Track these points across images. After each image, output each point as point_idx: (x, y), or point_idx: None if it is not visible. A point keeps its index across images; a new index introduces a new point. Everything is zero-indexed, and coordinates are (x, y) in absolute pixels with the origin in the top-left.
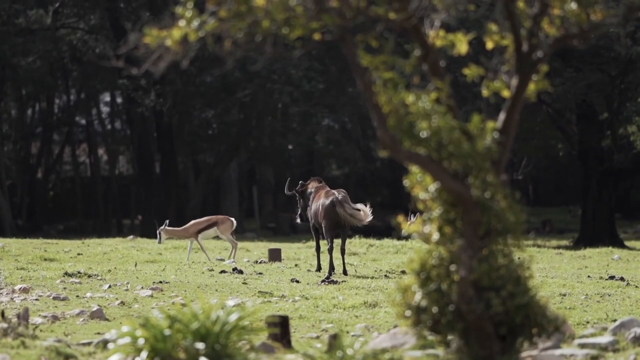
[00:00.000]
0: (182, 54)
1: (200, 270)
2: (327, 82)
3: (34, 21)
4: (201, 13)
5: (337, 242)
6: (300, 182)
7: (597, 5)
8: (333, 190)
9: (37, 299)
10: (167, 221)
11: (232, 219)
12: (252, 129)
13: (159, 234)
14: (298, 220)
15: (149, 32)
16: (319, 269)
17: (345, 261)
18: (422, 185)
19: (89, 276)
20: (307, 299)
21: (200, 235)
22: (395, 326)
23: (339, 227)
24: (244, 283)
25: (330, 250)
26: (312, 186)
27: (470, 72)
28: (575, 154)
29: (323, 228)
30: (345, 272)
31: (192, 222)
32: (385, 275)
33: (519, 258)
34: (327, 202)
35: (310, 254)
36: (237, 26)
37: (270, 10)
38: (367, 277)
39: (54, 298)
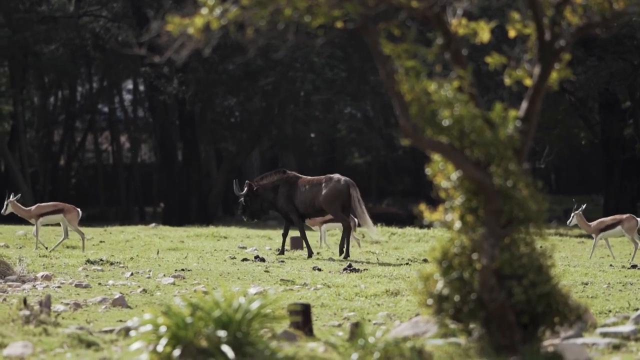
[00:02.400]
0: (204, 41)
1: (223, 258)
2: (350, 70)
3: (57, 9)
4: (223, 1)
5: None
6: (246, 181)
7: None
8: (335, 175)
9: (59, 287)
10: (19, 195)
11: (79, 209)
12: (275, 117)
13: (6, 204)
14: (246, 219)
15: (171, 20)
16: (310, 254)
17: (366, 249)
18: (444, 173)
19: (111, 264)
20: (329, 287)
21: (42, 219)
22: (417, 314)
23: (344, 210)
24: (265, 271)
25: (348, 234)
26: (276, 178)
27: (493, 60)
28: (597, 143)
29: (332, 212)
30: (348, 255)
31: (38, 204)
32: (407, 264)
33: (541, 247)
34: (341, 184)
35: (332, 243)
36: (259, 14)
37: None
38: (389, 265)
39: (76, 285)
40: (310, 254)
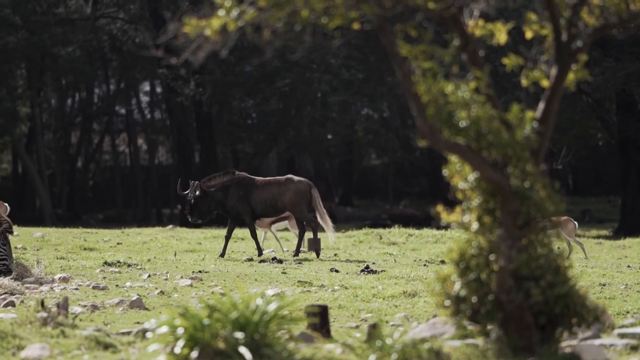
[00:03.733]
0: (221, 43)
1: (240, 259)
2: (366, 71)
3: (74, 11)
4: (240, 2)
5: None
6: (194, 182)
7: None
8: (294, 176)
9: (76, 289)
10: None
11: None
12: (291, 118)
13: None
14: (193, 220)
15: (188, 22)
16: (260, 253)
17: (384, 251)
18: (461, 174)
19: (129, 265)
20: (346, 288)
21: None
22: (435, 316)
23: (309, 210)
24: (283, 272)
25: (314, 232)
26: (225, 179)
27: (510, 61)
28: (614, 144)
29: (299, 212)
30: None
31: None
32: (425, 265)
33: (558, 248)
34: (303, 185)
35: (350, 244)
36: (276, 15)
37: (309, 0)
38: (407, 267)
39: (94, 287)
40: (260, 253)
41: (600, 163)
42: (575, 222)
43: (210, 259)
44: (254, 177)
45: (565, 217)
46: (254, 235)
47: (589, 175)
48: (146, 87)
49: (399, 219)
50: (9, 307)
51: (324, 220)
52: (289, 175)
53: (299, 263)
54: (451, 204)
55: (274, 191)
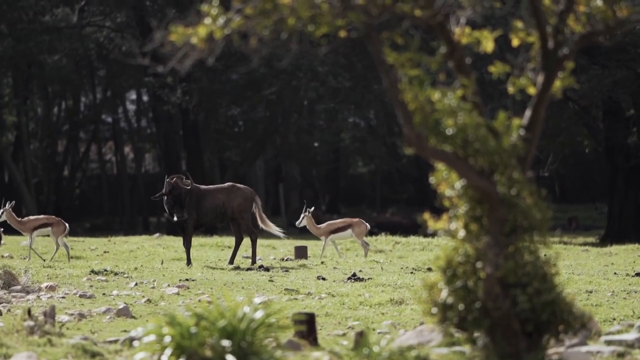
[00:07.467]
0: (207, 51)
1: (227, 267)
2: (353, 79)
3: (61, 19)
4: (227, 10)
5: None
6: (167, 178)
7: (623, 1)
8: (238, 184)
9: (63, 297)
10: None
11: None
12: (278, 126)
13: None
14: (177, 217)
15: (174, 30)
16: (189, 262)
17: (371, 258)
18: (448, 182)
19: (116, 274)
20: (333, 296)
21: None
22: (422, 323)
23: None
24: (270, 280)
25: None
26: (178, 182)
27: (496, 69)
28: (601, 151)
29: (246, 219)
30: (255, 261)
31: None
32: (412, 273)
33: (545, 255)
34: (249, 192)
35: (336, 251)
36: (262, 24)
37: (296, 8)
38: (394, 274)
39: (81, 296)
40: (189, 263)
41: (587, 170)
42: (367, 225)
43: (197, 267)
44: (198, 185)
45: (358, 219)
46: (189, 245)
47: (576, 182)
48: (133, 95)
49: (386, 226)
50: None
51: (267, 224)
52: (231, 183)
53: (286, 271)
54: (438, 211)
55: (222, 198)
